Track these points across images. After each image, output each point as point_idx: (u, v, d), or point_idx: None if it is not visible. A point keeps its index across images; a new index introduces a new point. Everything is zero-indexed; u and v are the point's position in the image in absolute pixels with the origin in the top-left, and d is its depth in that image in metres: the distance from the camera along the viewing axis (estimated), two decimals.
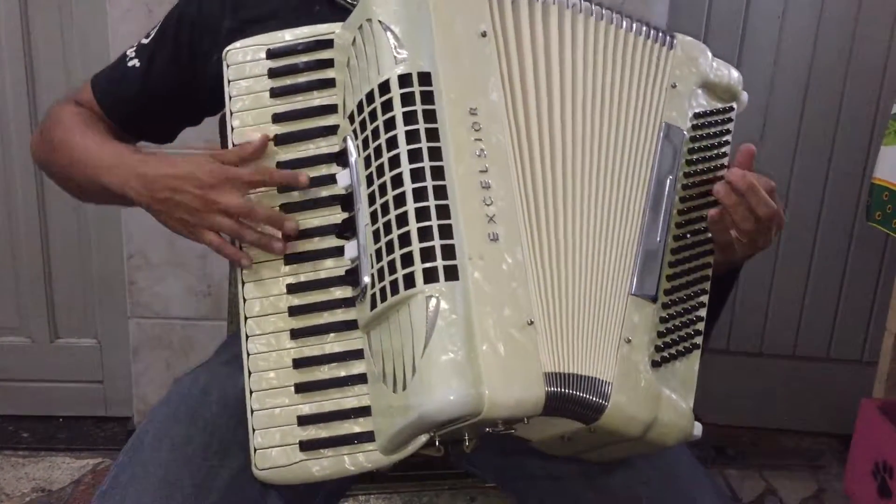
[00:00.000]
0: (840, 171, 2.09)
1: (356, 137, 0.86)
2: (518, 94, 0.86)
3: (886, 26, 2.01)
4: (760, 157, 0.93)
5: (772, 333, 2.21)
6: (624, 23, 0.94)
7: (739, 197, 0.86)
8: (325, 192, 0.89)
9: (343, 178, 0.87)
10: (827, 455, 2.18)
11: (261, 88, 0.91)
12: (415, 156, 0.80)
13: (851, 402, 1.95)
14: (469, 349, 0.75)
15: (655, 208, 0.89)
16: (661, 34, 0.96)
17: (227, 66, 0.92)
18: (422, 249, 0.78)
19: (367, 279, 0.83)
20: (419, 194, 0.79)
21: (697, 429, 0.85)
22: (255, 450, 0.85)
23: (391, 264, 0.79)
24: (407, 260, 0.78)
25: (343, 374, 0.86)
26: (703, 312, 0.90)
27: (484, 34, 0.85)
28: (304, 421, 0.85)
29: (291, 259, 0.89)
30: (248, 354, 0.87)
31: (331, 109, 0.90)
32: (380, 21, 0.84)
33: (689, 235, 0.91)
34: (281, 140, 0.90)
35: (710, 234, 0.91)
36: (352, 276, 0.85)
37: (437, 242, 0.78)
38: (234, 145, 0.90)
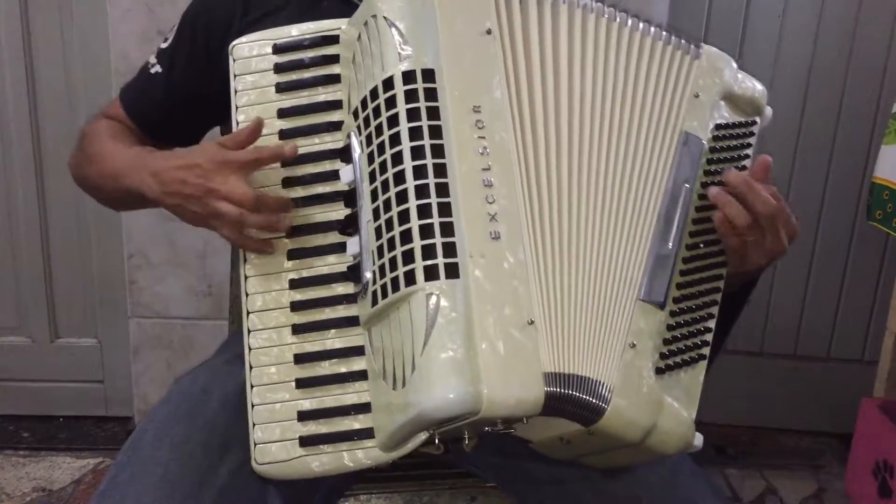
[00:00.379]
0: (840, 171, 2.09)
1: (360, 133, 0.86)
2: (524, 92, 0.86)
3: (886, 25, 2.01)
4: None
5: (772, 333, 2.20)
6: (641, 26, 0.93)
7: (733, 196, 0.86)
8: (328, 188, 0.89)
9: (346, 174, 0.87)
10: (827, 455, 2.18)
11: (266, 83, 0.91)
12: (417, 153, 0.80)
13: (852, 401, 1.95)
14: (468, 347, 0.75)
15: (669, 215, 0.88)
16: (684, 42, 0.95)
17: (234, 60, 0.92)
18: (423, 247, 0.78)
19: (368, 275, 0.83)
20: (421, 191, 0.79)
21: (698, 439, 0.85)
22: (255, 444, 0.85)
23: (392, 261, 0.79)
24: (408, 257, 0.78)
25: (344, 370, 0.86)
26: (711, 323, 0.89)
27: (489, 32, 0.85)
28: (304, 416, 0.85)
29: (294, 255, 0.89)
30: (250, 349, 0.87)
31: (336, 105, 0.90)
32: (385, 17, 0.84)
33: (702, 245, 0.89)
34: (286, 135, 0.90)
35: (723, 247, 0.90)
36: (354, 273, 0.85)
37: (438, 240, 0.78)
38: None
